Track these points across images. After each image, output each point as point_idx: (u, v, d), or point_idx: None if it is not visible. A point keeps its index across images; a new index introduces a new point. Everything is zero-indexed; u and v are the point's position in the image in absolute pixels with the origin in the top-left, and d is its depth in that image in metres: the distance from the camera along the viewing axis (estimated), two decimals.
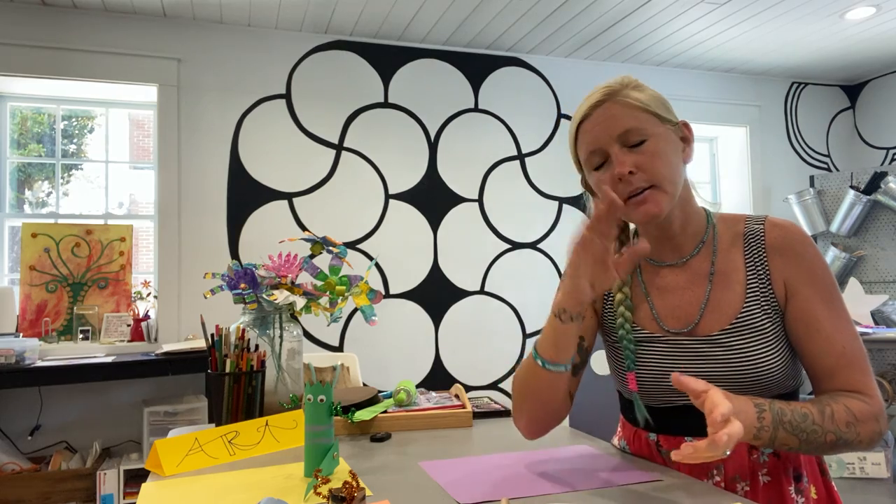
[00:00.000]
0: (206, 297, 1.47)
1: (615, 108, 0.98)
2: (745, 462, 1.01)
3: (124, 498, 2.75)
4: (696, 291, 1.05)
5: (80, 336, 3.06)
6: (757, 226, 1.04)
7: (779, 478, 1.00)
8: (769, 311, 1.00)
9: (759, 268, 1.02)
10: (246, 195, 3.37)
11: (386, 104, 3.63)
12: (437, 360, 3.62)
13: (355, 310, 3.47)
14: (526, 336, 3.78)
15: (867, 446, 0.94)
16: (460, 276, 3.69)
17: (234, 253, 3.32)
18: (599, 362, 2.73)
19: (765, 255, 1.02)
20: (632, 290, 1.11)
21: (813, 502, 1.02)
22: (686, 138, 1.05)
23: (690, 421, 1.03)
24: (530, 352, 1.03)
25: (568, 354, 0.99)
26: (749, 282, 1.01)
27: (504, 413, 1.48)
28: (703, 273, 1.05)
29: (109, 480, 2.73)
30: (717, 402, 0.78)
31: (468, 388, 3.60)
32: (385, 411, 1.40)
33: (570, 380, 1.07)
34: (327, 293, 1.38)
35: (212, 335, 1.30)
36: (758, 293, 1.01)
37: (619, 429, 1.22)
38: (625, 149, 0.98)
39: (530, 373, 1.02)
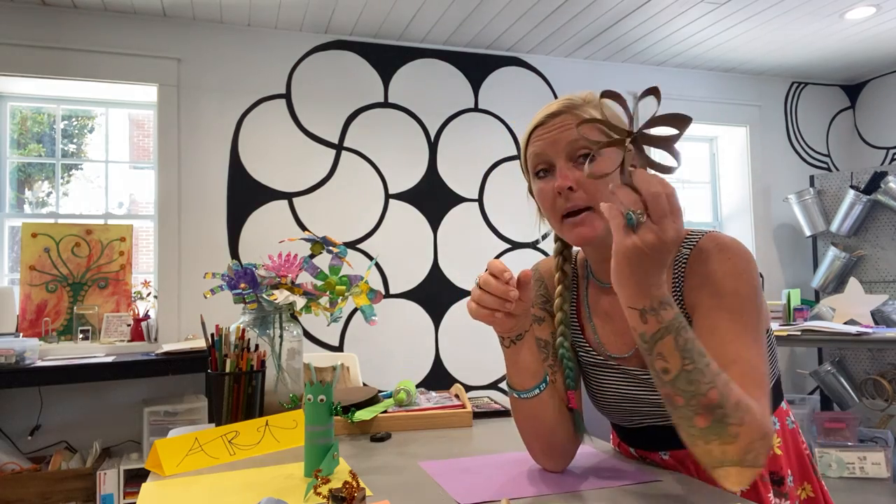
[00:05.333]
0: (206, 297, 1.47)
1: (571, 119, 0.95)
2: None
3: (124, 498, 2.75)
4: None
5: (80, 336, 3.06)
6: (685, 249, 0.96)
7: (755, 485, 0.99)
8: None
9: (679, 291, 0.95)
10: (246, 195, 3.37)
11: (386, 104, 3.63)
12: (437, 360, 3.62)
13: (355, 310, 3.47)
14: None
15: (736, 457, 0.76)
16: (460, 275, 3.69)
17: (234, 253, 3.32)
18: None
19: (683, 277, 0.95)
20: (579, 312, 1.09)
21: (803, 502, 1.02)
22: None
23: (659, 439, 1.03)
24: (508, 390, 1.01)
25: (534, 376, 0.96)
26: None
27: (504, 413, 1.48)
28: None
29: (109, 480, 2.73)
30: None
31: (468, 388, 3.60)
32: (385, 411, 1.40)
33: (566, 396, 1.06)
34: (327, 293, 1.38)
35: (212, 335, 1.30)
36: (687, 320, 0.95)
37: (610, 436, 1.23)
38: (570, 163, 0.94)
39: (516, 409, 1.00)
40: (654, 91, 0.78)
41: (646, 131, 0.75)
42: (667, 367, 0.76)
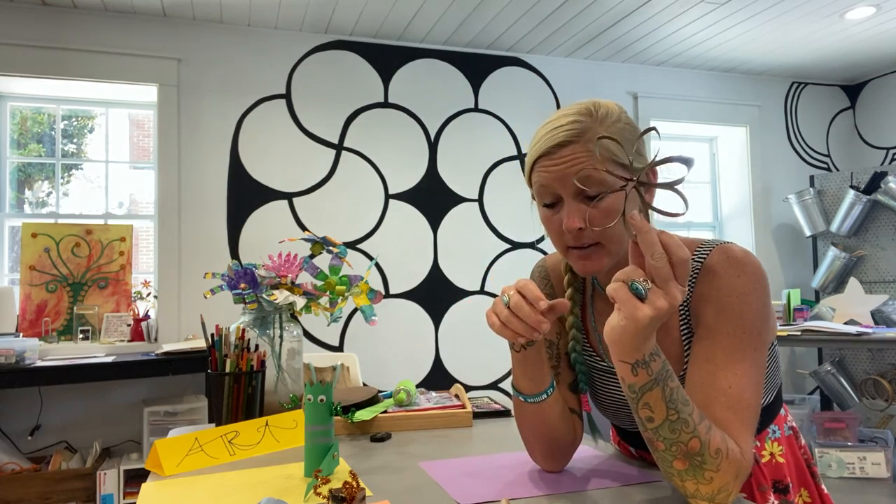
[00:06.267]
0: (206, 297, 1.47)
1: (580, 153, 0.87)
2: None
3: (124, 498, 2.75)
4: None
5: (80, 336, 3.06)
6: (696, 263, 0.93)
7: (752, 492, 0.99)
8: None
9: (686, 306, 0.94)
10: (246, 195, 3.36)
11: (386, 104, 3.63)
12: (437, 360, 3.62)
13: (355, 310, 3.47)
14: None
15: (708, 495, 0.79)
16: (460, 276, 3.69)
17: (234, 253, 3.32)
18: None
19: (692, 289, 0.93)
20: (584, 316, 1.08)
21: None
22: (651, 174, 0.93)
23: None
24: (513, 393, 1.00)
25: (542, 381, 0.95)
26: (681, 326, 0.95)
27: (504, 413, 1.48)
28: None
29: (109, 480, 2.73)
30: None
31: (468, 388, 3.60)
32: (385, 411, 1.40)
33: (570, 397, 1.05)
34: (327, 293, 1.38)
35: (212, 335, 1.30)
36: (685, 327, 0.94)
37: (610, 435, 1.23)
38: (579, 199, 0.89)
39: (521, 412, 0.99)
40: (651, 129, 0.78)
41: (646, 178, 0.73)
42: (652, 416, 0.78)
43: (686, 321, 0.94)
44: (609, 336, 0.75)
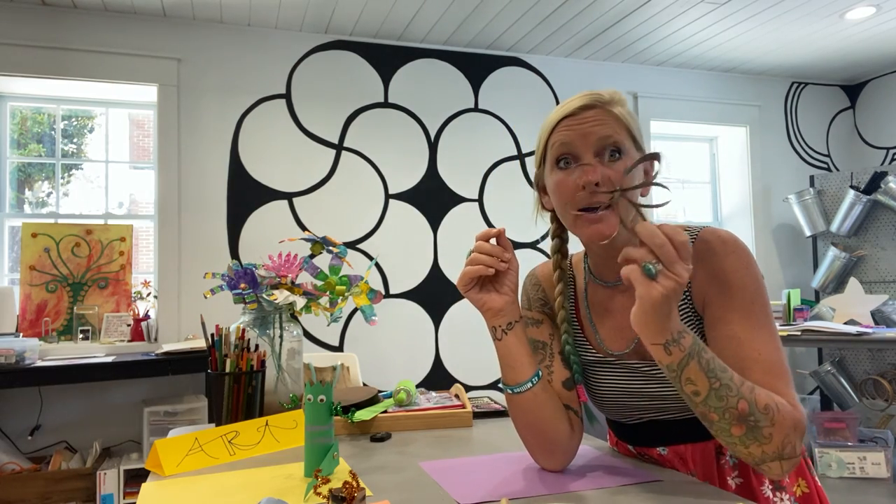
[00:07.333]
0: (206, 297, 1.47)
1: (603, 115, 0.96)
2: (713, 467, 1.01)
3: (124, 498, 2.75)
4: None
5: (80, 336, 3.06)
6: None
7: (749, 478, 1.00)
8: (703, 328, 0.98)
9: (687, 288, 0.99)
10: (246, 195, 3.37)
11: (386, 104, 3.63)
12: (437, 360, 3.62)
13: (355, 310, 3.47)
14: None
15: (774, 453, 0.84)
16: None
17: (234, 253, 3.32)
18: None
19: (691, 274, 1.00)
20: (577, 311, 1.11)
21: (801, 498, 1.02)
22: (647, 171, 1.01)
23: (658, 434, 1.05)
24: (502, 387, 1.03)
25: (524, 370, 0.98)
26: (681, 302, 0.99)
27: (504, 413, 1.48)
28: None
29: (109, 480, 2.73)
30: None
31: (468, 388, 3.60)
32: (385, 411, 1.40)
33: (565, 394, 1.06)
34: (327, 293, 1.38)
35: (212, 335, 1.30)
36: (689, 313, 0.99)
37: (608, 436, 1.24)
38: (597, 158, 0.96)
39: (511, 406, 1.01)
40: (655, 156, 0.91)
41: (629, 186, 0.91)
42: (697, 389, 0.84)
43: (686, 299, 1.00)
44: (634, 324, 0.82)
